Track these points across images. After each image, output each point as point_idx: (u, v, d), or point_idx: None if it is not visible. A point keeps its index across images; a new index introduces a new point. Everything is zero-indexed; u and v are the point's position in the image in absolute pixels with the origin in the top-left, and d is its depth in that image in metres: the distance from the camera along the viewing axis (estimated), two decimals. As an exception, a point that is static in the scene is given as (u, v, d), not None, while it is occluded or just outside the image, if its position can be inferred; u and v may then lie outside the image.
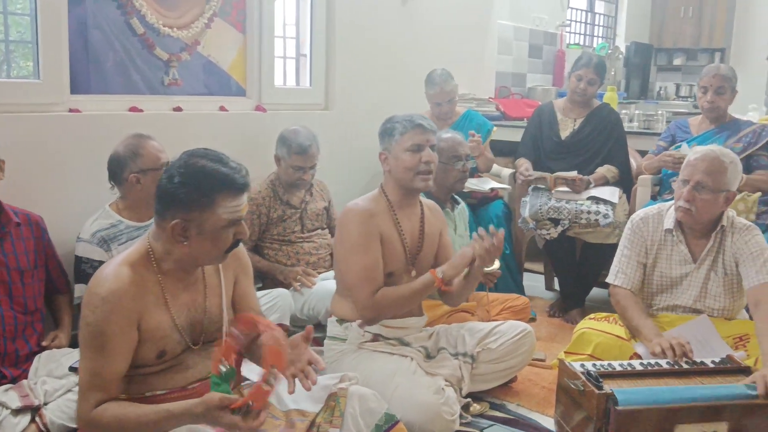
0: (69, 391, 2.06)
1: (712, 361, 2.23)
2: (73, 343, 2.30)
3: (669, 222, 2.53)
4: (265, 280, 3.21)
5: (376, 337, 2.44)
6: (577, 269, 3.65)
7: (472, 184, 3.65)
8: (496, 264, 2.54)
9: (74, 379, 2.07)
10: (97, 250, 2.49)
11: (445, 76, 3.85)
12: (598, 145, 3.73)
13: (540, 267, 4.28)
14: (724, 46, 7.89)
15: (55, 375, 2.16)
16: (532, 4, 5.94)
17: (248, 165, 1.80)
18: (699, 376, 2.16)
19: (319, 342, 2.68)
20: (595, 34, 7.61)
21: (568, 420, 2.18)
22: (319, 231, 3.32)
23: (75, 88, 2.85)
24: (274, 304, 2.77)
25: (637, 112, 4.79)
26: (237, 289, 1.91)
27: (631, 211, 3.45)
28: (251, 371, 1.91)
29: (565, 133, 3.78)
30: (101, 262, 2.18)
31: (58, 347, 2.32)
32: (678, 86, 8.19)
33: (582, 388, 2.06)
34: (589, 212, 3.41)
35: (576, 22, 7.17)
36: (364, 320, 2.40)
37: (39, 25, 2.67)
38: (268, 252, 3.20)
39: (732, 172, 2.42)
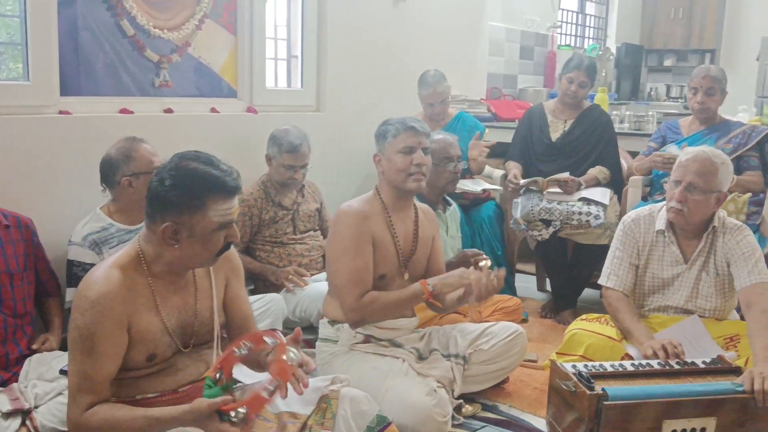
0: (60, 394, 2.06)
1: (703, 362, 2.23)
2: (64, 346, 2.27)
3: (661, 223, 2.54)
4: (257, 282, 3.20)
5: (367, 339, 2.44)
6: (568, 270, 3.64)
7: (464, 185, 3.65)
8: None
9: (65, 382, 2.05)
10: (88, 253, 2.49)
11: (438, 77, 3.86)
12: (589, 146, 3.73)
13: (532, 268, 4.29)
14: (715, 47, 7.93)
15: (45, 378, 2.15)
16: (524, 6, 5.96)
17: (239, 167, 1.80)
18: (690, 377, 2.17)
19: (311, 344, 2.68)
20: (586, 35, 7.63)
21: (560, 421, 2.19)
22: (311, 233, 3.32)
23: (65, 90, 2.84)
24: (266, 309, 2.77)
25: (627, 113, 4.78)
26: (228, 291, 1.91)
27: (622, 212, 3.46)
28: (242, 373, 1.90)
29: (555, 135, 3.77)
30: (93, 265, 2.16)
31: (49, 350, 2.31)
32: (668, 87, 8.21)
33: (573, 389, 2.06)
34: (580, 213, 3.41)
35: (567, 23, 7.18)
36: (349, 322, 2.40)
37: (28, 26, 2.66)
38: (260, 254, 3.20)
39: (723, 173, 2.42)
